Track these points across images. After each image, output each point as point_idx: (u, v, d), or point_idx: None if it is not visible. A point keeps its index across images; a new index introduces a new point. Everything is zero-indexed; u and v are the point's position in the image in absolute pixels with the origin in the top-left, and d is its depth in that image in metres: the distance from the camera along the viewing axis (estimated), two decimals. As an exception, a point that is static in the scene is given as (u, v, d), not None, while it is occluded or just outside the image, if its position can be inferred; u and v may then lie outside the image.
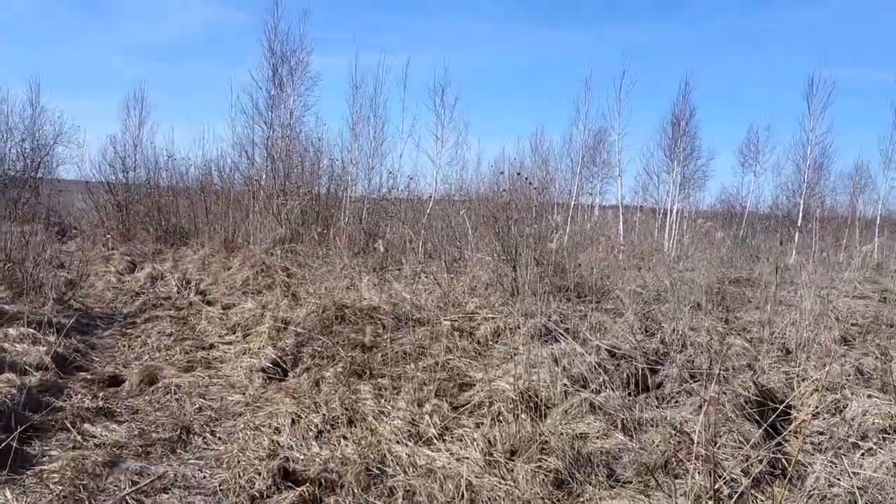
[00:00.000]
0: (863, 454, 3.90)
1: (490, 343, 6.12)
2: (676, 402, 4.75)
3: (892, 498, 3.36)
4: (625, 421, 4.25)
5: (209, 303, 8.49)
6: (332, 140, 22.40)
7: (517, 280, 7.60)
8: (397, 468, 3.67)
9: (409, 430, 4.09)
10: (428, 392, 4.69)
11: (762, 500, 3.41)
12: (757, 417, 4.37)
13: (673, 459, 3.75)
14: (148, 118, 19.30)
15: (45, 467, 3.51)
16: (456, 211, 11.09)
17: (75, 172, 18.70)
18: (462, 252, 9.30)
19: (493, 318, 6.66)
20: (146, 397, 5.03)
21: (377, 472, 3.64)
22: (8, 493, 3.20)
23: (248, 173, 15.03)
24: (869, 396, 4.55)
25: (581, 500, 3.41)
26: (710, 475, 3.26)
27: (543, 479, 3.47)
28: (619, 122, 18.38)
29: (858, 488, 3.36)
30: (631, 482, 3.61)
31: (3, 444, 3.29)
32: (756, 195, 23.00)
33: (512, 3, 45.92)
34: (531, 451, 3.74)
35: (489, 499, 3.34)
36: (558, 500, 3.39)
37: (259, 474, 3.46)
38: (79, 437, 4.00)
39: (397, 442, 3.94)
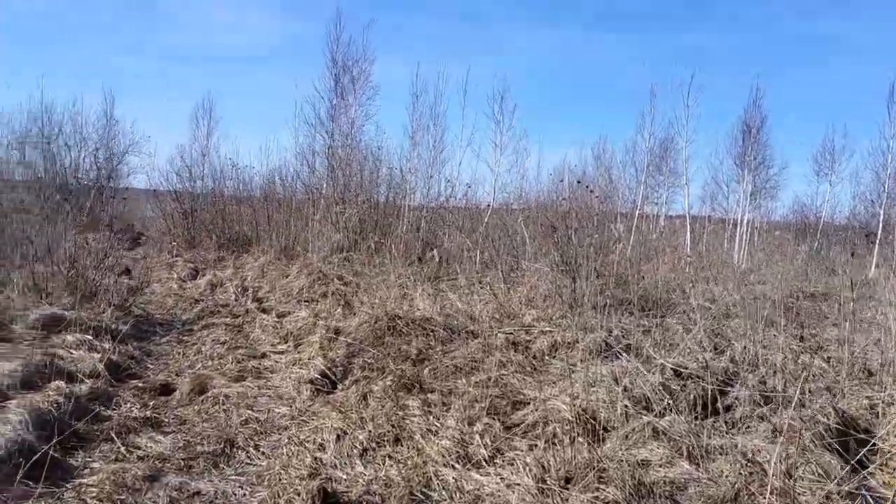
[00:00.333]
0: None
1: (546, 358, 5.87)
2: (748, 427, 4.39)
3: None
4: (691, 448, 3.93)
5: (265, 310, 8.48)
6: (392, 149, 22.44)
7: (576, 292, 7.32)
8: (443, 493, 3.47)
9: (458, 451, 3.87)
10: (479, 410, 4.47)
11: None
12: (838, 447, 3.98)
13: (744, 492, 3.42)
14: (216, 128, 19.82)
15: (85, 480, 3.44)
16: (514, 220, 10.85)
17: (145, 181, 19.28)
18: (519, 262, 9.06)
19: (550, 331, 6.40)
20: (195, 407, 4.97)
21: (422, 497, 3.44)
22: (44, 507, 3.15)
23: (309, 182, 15.16)
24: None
25: (641, 535, 3.13)
26: (788, 514, 2.94)
27: (600, 511, 3.21)
28: (686, 129, 17.80)
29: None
30: (697, 517, 3.31)
31: (38, 455, 3.21)
32: (832, 205, 21.89)
33: (573, 10, 45.39)
34: (588, 479, 3.48)
35: (540, 531, 3.10)
36: (616, 535, 3.12)
37: (299, 495, 3.31)
38: (122, 449, 3.93)
39: (445, 464, 3.73)
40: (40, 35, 35.48)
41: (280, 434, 4.39)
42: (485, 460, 3.81)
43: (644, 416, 4.25)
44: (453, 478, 3.58)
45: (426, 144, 14.57)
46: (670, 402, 4.48)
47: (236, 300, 9.40)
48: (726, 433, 4.34)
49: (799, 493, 3.39)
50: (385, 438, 4.07)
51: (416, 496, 3.43)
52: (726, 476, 3.62)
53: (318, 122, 16.11)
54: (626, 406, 4.42)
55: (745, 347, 6.01)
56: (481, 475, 3.64)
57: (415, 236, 11.82)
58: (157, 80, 42.65)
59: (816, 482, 3.53)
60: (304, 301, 8.67)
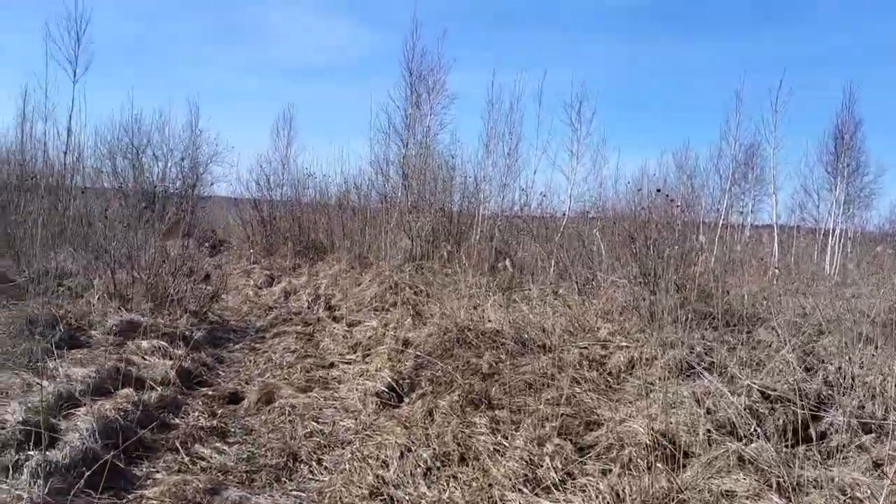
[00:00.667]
0: None
1: (622, 375, 5.57)
2: (845, 458, 4.00)
3: None
4: (781, 480, 3.59)
5: (336, 319, 8.48)
6: (466, 157, 22.34)
7: (655, 305, 6.97)
8: (509, 520, 3.27)
9: (526, 474, 3.66)
10: (550, 429, 4.24)
11: None
12: (952, 485, 3.57)
13: (843, 534, 3.09)
14: (295, 138, 20.25)
15: (146, 492, 3.41)
16: (590, 229, 10.53)
17: (228, 189, 19.84)
18: (595, 273, 8.74)
19: (626, 346, 6.10)
20: (262, 417, 4.94)
21: (486, 522, 3.26)
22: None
23: (383, 190, 15.23)
24: None
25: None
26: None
27: (680, 548, 2.95)
28: (774, 135, 16.95)
29: None
30: (790, 559, 3.00)
31: (98, 464, 3.20)
32: (933, 214, 20.45)
33: (652, 16, 44.26)
34: (666, 511, 3.22)
35: (613, 567, 2.86)
36: (698, 576, 2.85)
37: (358, 515, 3.19)
38: (186, 460, 3.91)
39: (512, 488, 3.52)
40: (130, 51, 37.19)
41: (343, 448, 4.29)
42: (554, 485, 3.59)
43: (729, 443, 3.93)
44: (521, 503, 3.38)
45: (500, 152, 14.37)
46: (757, 427, 4.15)
47: (309, 308, 9.45)
48: (820, 464, 3.97)
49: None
50: (450, 457, 3.90)
51: (481, 522, 3.26)
52: (822, 514, 3.29)
53: (393, 131, 16.18)
54: (709, 431, 4.11)
55: (839, 368, 5.56)
56: (550, 502, 3.42)
57: (488, 245, 11.64)
58: (236, 90, 44.02)
59: (928, 525, 3.16)
60: (375, 310, 8.62)
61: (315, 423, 4.73)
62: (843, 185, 18.19)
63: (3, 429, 3.66)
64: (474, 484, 3.59)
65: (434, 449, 3.97)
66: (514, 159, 14.31)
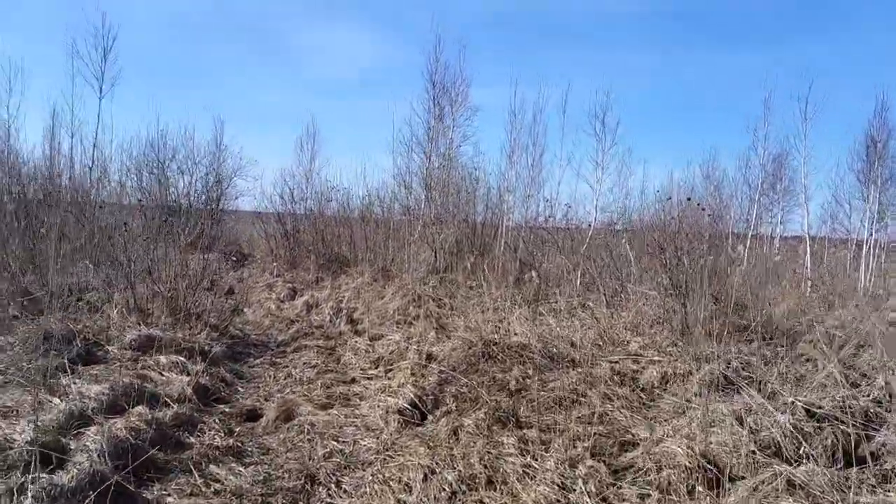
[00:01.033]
0: None
1: (656, 391, 5.31)
2: (902, 483, 3.72)
3: None
4: (835, 506, 3.33)
5: (358, 332, 8.30)
6: (489, 168, 22.17)
7: (688, 317, 6.69)
8: (540, 550, 3.04)
9: (558, 499, 3.44)
10: (582, 450, 4.01)
11: None
12: None
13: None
14: (318, 152, 20.31)
15: (156, 517, 3.25)
16: (617, 240, 10.26)
17: (252, 204, 19.88)
18: (623, 285, 8.47)
19: (659, 360, 5.84)
20: (280, 435, 4.76)
21: (516, 552, 3.04)
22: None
23: (406, 203, 15.10)
24: None
25: None
26: None
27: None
28: (804, 144, 16.53)
29: None
30: None
31: (104, 486, 3.03)
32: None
33: (677, 26, 43.80)
34: (711, 542, 2.97)
35: None
36: None
37: (378, 544, 2.98)
38: (200, 482, 3.73)
39: (542, 514, 3.30)
40: (158, 66, 37.70)
41: (364, 470, 4.07)
42: (588, 511, 3.36)
43: (776, 465, 3.67)
44: (552, 532, 3.15)
45: (524, 163, 14.17)
46: (806, 447, 3.88)
47: (331, 321, 9.29)
48: (875, 487, 3.69)
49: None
50: (476, 480, 3.68)
51: (510, 552, 3.03)
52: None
53: (416, 143, 16.10)
54: (753, 452, 3.85)
55: (886, 383, 5.25)
56: (584, 530, 3.19)
57: (512, 257, 11.40)
58: (260, 104, 44.33)
59: None
60: (398, 323, 8.42)
61: (335, 443, 4.54)
62: (877, 194, 17.67)
63: (11, 449, 3.52)
64: (502, 509, 3.37)
65: (459, 471, 3.75)
66: (537, 170, 14.12)
